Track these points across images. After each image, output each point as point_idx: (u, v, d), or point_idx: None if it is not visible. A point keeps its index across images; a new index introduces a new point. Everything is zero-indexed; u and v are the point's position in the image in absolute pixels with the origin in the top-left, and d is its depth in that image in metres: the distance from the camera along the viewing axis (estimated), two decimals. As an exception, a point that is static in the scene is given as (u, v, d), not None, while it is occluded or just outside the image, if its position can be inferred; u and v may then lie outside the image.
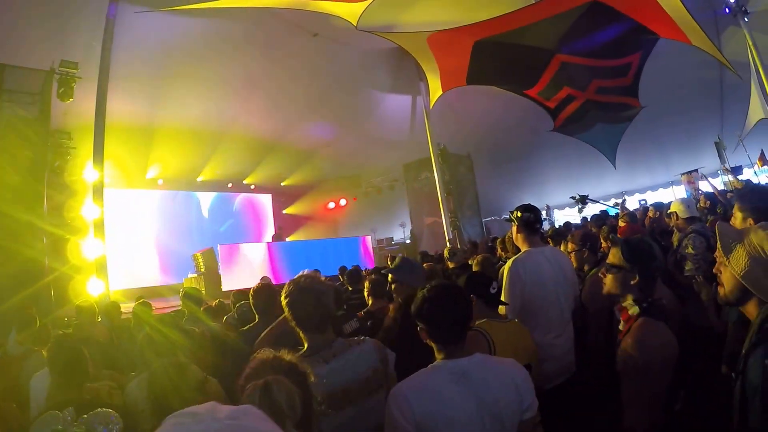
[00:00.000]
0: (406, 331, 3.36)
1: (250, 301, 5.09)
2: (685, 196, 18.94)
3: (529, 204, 4.57)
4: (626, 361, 2.86)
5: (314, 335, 2.85)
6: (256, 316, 5.01)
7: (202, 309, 6.98)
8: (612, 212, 13.77)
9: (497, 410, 2.38)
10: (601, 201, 16.05)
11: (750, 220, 3.45)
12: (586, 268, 5.45)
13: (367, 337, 3.04)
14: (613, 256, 3.20)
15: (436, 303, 2.57)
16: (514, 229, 4.55)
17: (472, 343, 2.72)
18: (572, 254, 5.59)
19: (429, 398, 2.35)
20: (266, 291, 5.07)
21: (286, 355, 1.98)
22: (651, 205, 12.18)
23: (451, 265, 8.12)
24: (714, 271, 2.40)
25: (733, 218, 3.69)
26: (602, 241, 6.16)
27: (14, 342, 5.70)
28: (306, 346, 2.84)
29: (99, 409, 2.58)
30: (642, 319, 2.93)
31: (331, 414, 2.62)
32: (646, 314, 2.93)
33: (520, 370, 2.59)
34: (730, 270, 2.24)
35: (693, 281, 4.15)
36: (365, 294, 5.56)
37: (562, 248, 6.39)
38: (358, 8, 12.75)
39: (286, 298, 2.86)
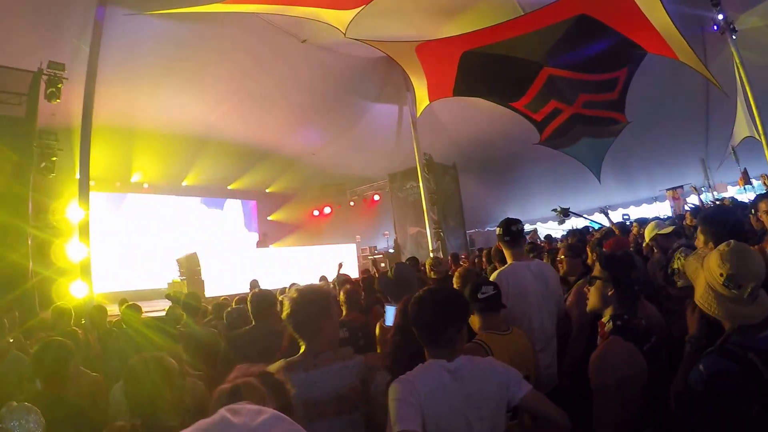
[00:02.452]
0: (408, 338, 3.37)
1: (248, 305, 5.09)
2: (669, 213, 19.11)
3: (514, 218, 4.64)
4: (592, 378, 2.92)
5: (309, 343, 2.92)
6: (252, 321, 4.99)
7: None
8: (595, 226, 13.82)
9: (482, 402, 2.50)
10: (584, 215, 16.14)
11: (711, 244, 3.53)
12: (572, 278, 5.45)
13: (357, 355, 3.06)
14: (596, 268, 3.26)
15: (422, 307, 2.68)
16: (499, 242, 4.63)
17: (472, 354, 2.76)
18: (564, 260, 5.61)
19: (429, 383, 2.44)
20: (266, 296, 5.12)
21: (267, 366, 1.99)
22: (635, 221, 12.22)
23: (433, 275, 8.14)
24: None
25: (696, 240, 3.77)
26: (588, 252, 6.18)
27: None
28: (301, 350, 2.92)
29: (20, 404, 2.55)
30: (611, 338, 2.98)
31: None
32: (618, 333, 2.96)
33: (500, 365, 2.69)
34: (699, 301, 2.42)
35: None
36: (341, 303, 5.65)
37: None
38: (347, 16, 12.78)
39: (288, 308, 2.96)
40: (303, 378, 2.70)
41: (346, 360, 2.93)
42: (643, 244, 6.89)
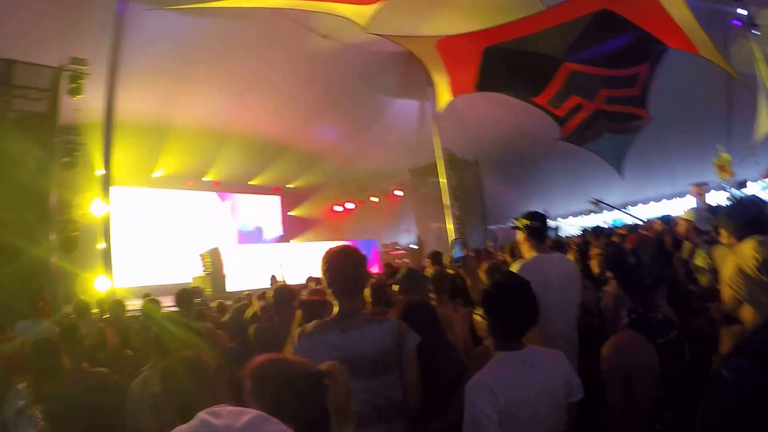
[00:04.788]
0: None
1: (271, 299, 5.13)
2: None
3: (536, 211, 4.56)
4: (601, 366, 2.96)
5: (345, 302, 2.93)
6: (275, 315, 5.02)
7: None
8: (618, 223, 13.69)
9: (552, 394, 2.56)
10: (617, 207, 16.04)
11: (732, 239, 3.49)
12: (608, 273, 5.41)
13: (391, 318, 3.09)
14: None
15: (505, 299, 2.70)
16: (521, 236, 4.56)
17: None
18: (594, 259, 5.56)
19: (510, 386, 2.46)
20: (289, 290, 5.20)
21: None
22: (657, 218, 12.06)
23: (451, 272, 8.07)
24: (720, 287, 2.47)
25: (721, 236, 3.73)
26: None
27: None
28: (335, 311, 2.94)
29: (30, 406, 2.55)
30: (624, 332, 3.03)
31: None
32: (631, 326, 2.99)
33: (565, 360, 2.73)
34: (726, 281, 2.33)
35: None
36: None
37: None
38: (368, 11, 12.76)
39: (325, 264, 2.96)
40: (340, 339, 2.76)
41: (382, 322, 2.95)
42: (677, 228, 6.82)
